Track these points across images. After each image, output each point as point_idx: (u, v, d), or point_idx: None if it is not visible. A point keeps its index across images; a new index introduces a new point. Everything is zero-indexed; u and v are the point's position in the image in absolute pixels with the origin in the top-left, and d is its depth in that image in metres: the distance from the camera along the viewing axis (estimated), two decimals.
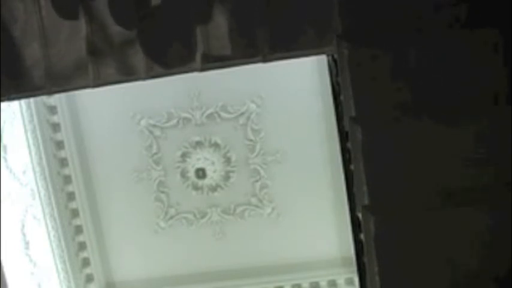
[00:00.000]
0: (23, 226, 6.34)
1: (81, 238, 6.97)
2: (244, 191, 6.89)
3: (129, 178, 6.84)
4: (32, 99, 6.17)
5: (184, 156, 6.81)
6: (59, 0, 3.76)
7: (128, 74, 3.86)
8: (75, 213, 6.90)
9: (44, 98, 6.43)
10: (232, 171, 6.82)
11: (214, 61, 3.80)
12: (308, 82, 6.47)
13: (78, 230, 6.94)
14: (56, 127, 6.67)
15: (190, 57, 3.80)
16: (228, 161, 6.80)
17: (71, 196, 6.86)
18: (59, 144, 6.72)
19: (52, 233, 6.63)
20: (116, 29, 3.81)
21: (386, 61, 3.60)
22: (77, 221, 6.92)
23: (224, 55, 3.79)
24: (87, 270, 7.06)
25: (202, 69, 3.82)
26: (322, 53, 3.87)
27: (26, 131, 6.32)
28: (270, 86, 6.55)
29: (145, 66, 3.81)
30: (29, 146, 6.38)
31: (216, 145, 6.77)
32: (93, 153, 6.79)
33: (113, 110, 6.66)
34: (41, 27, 3.81)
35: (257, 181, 6.83)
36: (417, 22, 3.60)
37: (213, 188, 6.89)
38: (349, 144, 3.81)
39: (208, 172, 6.85)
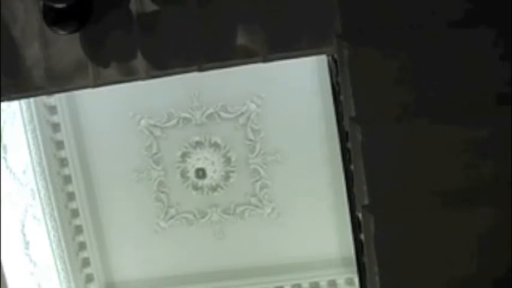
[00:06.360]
0: (23, 226, 6.33)
1: (81, 238, 6.97)
2: (244, 191, 6.88)
3: (129, 178, 6.84)
4: (32, 99, 6.16)
5: (184, 156, 6.81)
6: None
7: (128, 74, 3.86)
8: (75, 213, 6.90)
9: (44, 98, 6.42)
10: (232, 171, 6.82)
11: (214, 61, 3.81)
12: (308, 82, 6.46)
13: (78, 230, 6.94)
14: (56, 127, 6.67)
15: (190, 57, 3.80)
16: (228, 161, 6.79)
17: (71, 196, 6.86)
18: (59, 144, 6.72)
19: (52, 233, 6.63)
20: (116, 30, 3.81)
21: (386, 61, 3.60)
22: (77, 221, 6.91)
23: (224, 55, 3.79)
24: (87, 270, 7.06)
25: (202, 69, 3.82)
26: (322, 53, 3.87)
27: (26, 131, 6.32)
28: (270, 86, 6.54)
29: (145, 66, 3.81)
30: (29, 146, 6.37)
31: (216, 145, 6.76)
32: (93, 153, 6.78)
33: (113, 110, 6.65)
34: (41, 27, 3.80)
35: (257, 181, 6.83)
36: (417, 22, 3.60)
37: (213, 188, 6.89)
38: (349, 144, 3.81)
39: (208, 172, 6.85)
